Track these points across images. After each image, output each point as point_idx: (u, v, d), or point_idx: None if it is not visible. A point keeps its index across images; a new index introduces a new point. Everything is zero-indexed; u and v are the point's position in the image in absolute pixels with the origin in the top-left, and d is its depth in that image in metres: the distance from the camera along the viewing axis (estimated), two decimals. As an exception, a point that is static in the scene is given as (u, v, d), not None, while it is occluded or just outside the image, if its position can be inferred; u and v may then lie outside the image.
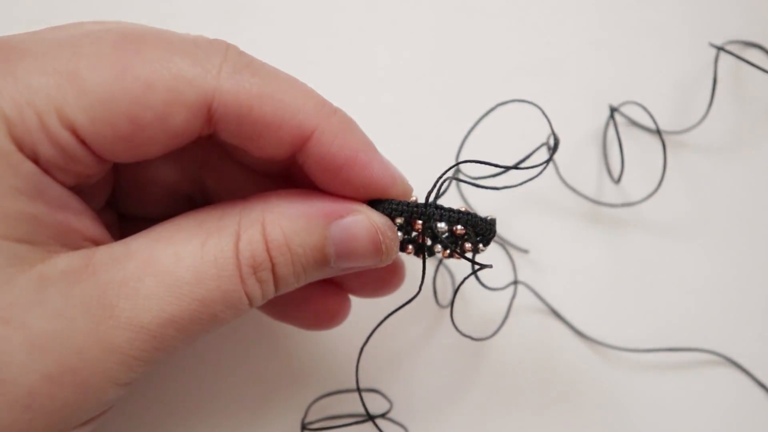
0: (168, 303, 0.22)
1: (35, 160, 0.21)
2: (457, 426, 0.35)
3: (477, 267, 0.26)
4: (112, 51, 0.21)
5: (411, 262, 0.32)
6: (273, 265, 0.23)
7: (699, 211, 0.37)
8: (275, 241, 0.23)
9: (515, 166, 0.27)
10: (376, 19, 0.39)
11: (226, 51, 0.23)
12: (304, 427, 0.34)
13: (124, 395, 0.23)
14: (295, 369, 0.35)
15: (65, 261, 0.22)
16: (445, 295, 0.36)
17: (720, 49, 0.37)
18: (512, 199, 0.37)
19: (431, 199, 0.26)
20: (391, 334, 0.35)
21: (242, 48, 0.24)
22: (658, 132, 0.36)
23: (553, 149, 0.27)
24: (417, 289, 0.26)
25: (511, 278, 0.36)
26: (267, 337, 0.35)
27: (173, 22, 0.37)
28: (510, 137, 0.37)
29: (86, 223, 0.23)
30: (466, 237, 0.26)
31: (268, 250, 0.23)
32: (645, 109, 0.37)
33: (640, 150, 0.38)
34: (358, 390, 0.29)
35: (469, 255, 0.26)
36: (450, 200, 0.37)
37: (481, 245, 0.26)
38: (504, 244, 0.37)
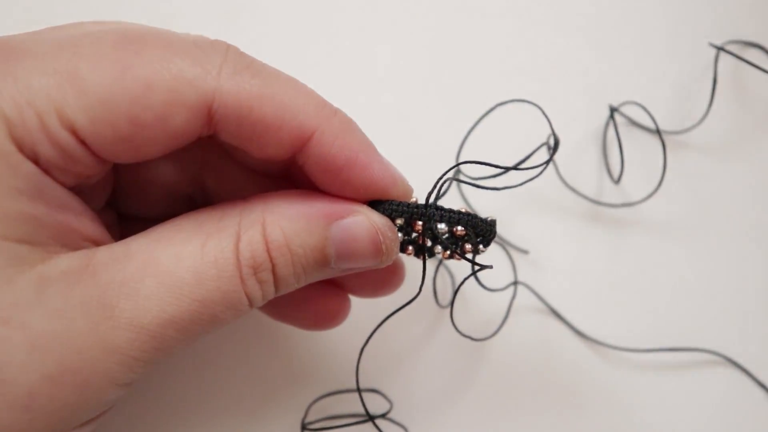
0: (168, 303, 0.22)
1: (35, 160, 0.21)
2: (457, 426, 0.35)
3: (477, 268, 0.26)
4: (112, 51, 0.21)
5: (411, 261, 0.32)
6: (273, 266, 0.23)
7: (699, 211, 0.37)
8: (275, 241, 0.23)
9: (515, 167, 0.27)
10: (377, 20, 0.39)
11: (227, 52, 0.23)
12: (304, 427, 0.34)
13: (124, 396, 0.23)
14: (295, 369, 0.35)
15: (65, 261, 0.22)
16: (445, 296, 0.36)
17: (720, 49, 0.37)
18: (512, 199, 0.37)
19: (431, 199, 0.26)
20: (391, 335, 0.35)
21: (242, 48, 0.24)
22: (658, 132, 0.36)
23: (554, 149, 0.27)
24: (417, 288, 0.26)
25: (511, 278, 0.36)
26: (267, 337, 0.35)
27: (173, 23, 0.37)
28: (510, 137, 0.37)
29: (86, 223, 0.23)
30: (466, 238, 0.26)
31: (268, 251, 0.23)
32: (645, 109, 0.37)
33: (640, 150, 0.38)
34: (358, 390, 0.29)
35: (469, 256, 0.26)
36: (450, 201, 0.37)
37: (481, 246, 0.26)
38: (504, 245, 0.37)
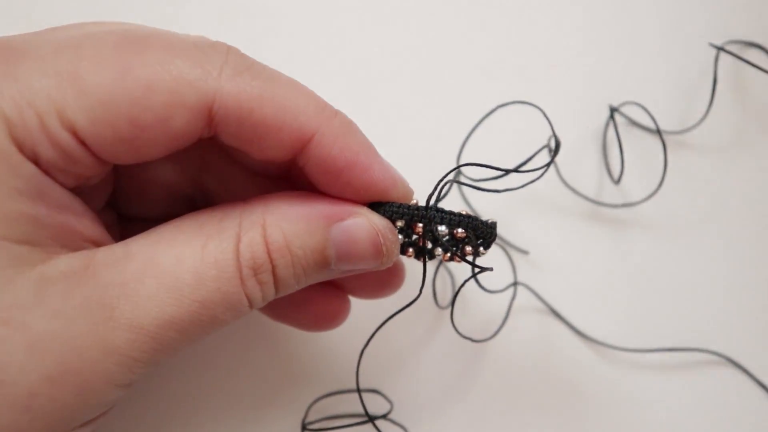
0: (168, 304, 0.22)
1: (36, 161, 0.21)
2: (457, 427, 0.35)
3: (477, 270, 0.26)
4: (112, 52, 0.21)
5: (411, 262, 0.32)
6: (273, 267, 0.23)
7: (699, 211, 0.38)
8: (276, 243, 0.23)
9: (516, 169, 0.26)
10: (377, 21, 0.39)
11: (227, 53, 0.23)
12: (304, 427, 0.34)
13: (124, 396, 0.23)
14: (295, 369, 0.35)
15: (65, 262, 0.22)
16: (445, 297, 0.36)
17: (720, 49, 0.37)
18: (512, 200, 0.37)
19: (432, 202, 0.26)
20: (391, 335, 0.35)
21: (243, 49, 0.24)
22: (658, 132, 0.36)
23: (554, 152, 0.27)
24: (417, 290, 0.26)
25: (511, 279, 0.36)
26: (267, 338, 0.35)
27: (174, 23, 0.37)
28: (510, 139, 0.37)
29: (86, 224, 0.23)
30: (466, 240, 0.26)
31: (268, 252, 0.23)
32: (645, 109, 0.37)
33: (640, 150, 0.38)
34: (359, 391, 0.29)
35: (469, 258, 0.26)
36: (451, 202, 0.37)
37: (481, 248, 0.26)
38: (504, 245, 0.37)
